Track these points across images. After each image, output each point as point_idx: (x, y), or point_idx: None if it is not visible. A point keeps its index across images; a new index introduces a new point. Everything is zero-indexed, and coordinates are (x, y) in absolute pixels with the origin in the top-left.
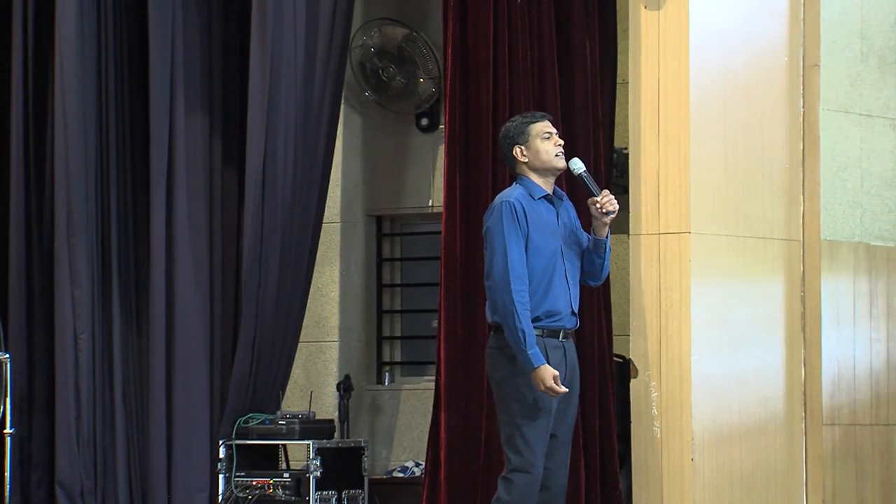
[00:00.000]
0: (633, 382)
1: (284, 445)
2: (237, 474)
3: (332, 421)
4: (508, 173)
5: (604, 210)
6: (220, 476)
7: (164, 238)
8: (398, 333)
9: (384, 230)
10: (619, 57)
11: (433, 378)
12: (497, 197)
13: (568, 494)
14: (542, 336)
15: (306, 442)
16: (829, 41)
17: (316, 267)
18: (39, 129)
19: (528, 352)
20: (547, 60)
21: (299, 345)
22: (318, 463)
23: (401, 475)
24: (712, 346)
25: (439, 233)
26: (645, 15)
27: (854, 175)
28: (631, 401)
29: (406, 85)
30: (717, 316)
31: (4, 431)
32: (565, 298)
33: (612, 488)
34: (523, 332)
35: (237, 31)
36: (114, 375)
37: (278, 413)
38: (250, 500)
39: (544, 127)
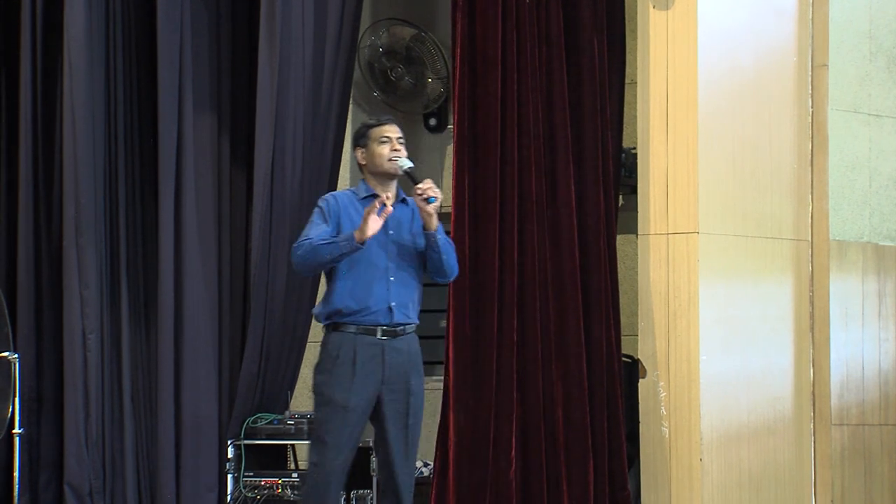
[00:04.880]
0: (641, 382)
1: (293, 445)
2: (245, 474)
3: None
4: (518, 173)
5: (425, 196)
6: (229, 476)
7: (173, 238)
8: None
9: None
10: (628, 56)
11: (441, 378)
12: None
13: (577, 494)
14: (355, 333)
15: None
16: (838, 41)
17: None
18: (48, 129)
19: (337, 244)
20: (555, 60)
21: (308, 344)
22: None
23: None
24: (720, 346)
25: (447, 233)
26: (653, 14)
27: (863, 175)
28: (639, 401)
29: (414, 85)
30: (725, 316)
31: (13, 431)
32: (382, 294)
33: (621, 488)
34: (313, 246)
35: (245, 30)
36: (122, 375)
37: (287, 413)
38: (259, 500)
39: (382, 132)
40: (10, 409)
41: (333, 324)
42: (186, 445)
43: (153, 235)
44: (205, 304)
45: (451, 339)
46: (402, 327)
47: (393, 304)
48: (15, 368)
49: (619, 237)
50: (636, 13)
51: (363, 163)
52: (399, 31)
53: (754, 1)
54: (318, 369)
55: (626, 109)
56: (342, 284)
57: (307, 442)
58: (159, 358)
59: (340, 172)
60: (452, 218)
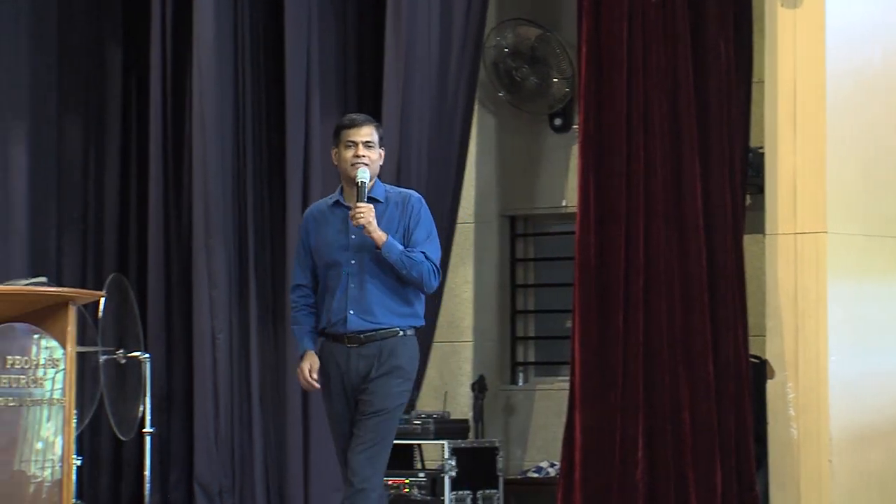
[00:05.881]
0: (769, 383)
1: (419, 445)
2: None
3: (466, 421)
4: (644, 172)
5: (353, 222)
6: None
7: None
8: (532, 334)
9: (518, 230)
10: (755, 55)
11: (567, 378)
12: None
13: (704, 495)
14: (331, 342)
15: (441, 442)
16: None
17: (450, 267)
18: (177, 132)
19: (296, 337)
20: (681, 59)
21: (433, 345)
22: (454, 463)
23: (535, 475)
24: (849, 347)
25: (573, 233)
26: (781, 13)
27: None
28: (767, 402)
29: (539, 85)
30: (853, 316)
31: (144, 430)
32: (340, 303)
33: (749, 489)
34: (293, 317)
35: (372, 32)
36: (251, 375)
37: (413, 413)
38: (386, 499)
39: (347, 136)
40: (141, 409)
41: (323, 335)
42: (314, 445)
43: (281, 236)
44: None
45: (576, 339)
46: (364, 334)
47: (350, 311)
48: (145, 368)
49: (746, 237)
50: (763, 12)
51: (335, 163)
52: (524, 32)
53: None
54: None
55: (753, 108)
56: (321, 295)
57: (434, 442)
58: (287, 358)
59: (466, 173)
60: (578, 218)
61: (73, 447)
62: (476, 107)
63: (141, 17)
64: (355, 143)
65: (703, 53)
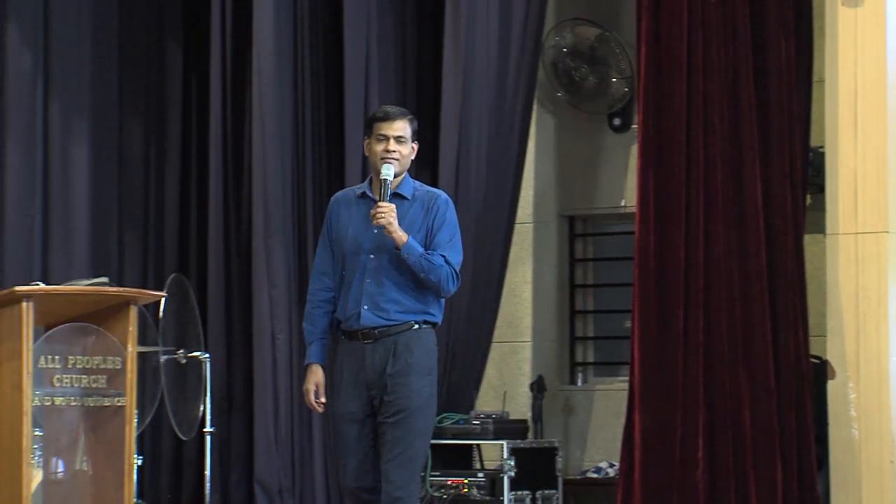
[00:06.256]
0: (830, 384)
1: (479, 445)
2: (432, 474)
3: (525, 421)
4: (703, 172)
5: (374, 221)
6: None
7: None
8: (591, 334)
9: (577, 230)
10: (815, 54)
11: (627, 378)
12: None
13: (765, 496)
14: (345, 339)
15: (500, 442)
16: None
17: (509, 267)
18: (237, 133)
19: (307, 338)
20: (741, 58)
21: (492, 345)
22: (513, 463)
23: (595, 476)
24: None
25: (632, 233)
26: (842, 12)
27: None
28: (828, 402)
29: (598, 85)
30: None
31: (204, 430)
32: (356, 297)
33: (811, 490)
34: (307, 313)
35: (431, 33)
36: None
37: (472, 413)
38: (445, 499)
39: (379, 129)
40: (201, 409)
41: (338, 331)
42: None
43: None
44: None
45: (636, 339)
46: (377, 330)
47: (364, 307)
48: (206, 368)
49: (806, 237)
50: (824, 10)
51: (367, 154)
52: (583, 31)
53: None
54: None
55: (813, 108)
56: (337, 286)
57: (493, 442)
58: None
59: (525, 173)
60: (637, 218)
61: (133, 447)
62: (535, 107)
63: (201, 18)
64: (387, 138)
65: (764, 52)
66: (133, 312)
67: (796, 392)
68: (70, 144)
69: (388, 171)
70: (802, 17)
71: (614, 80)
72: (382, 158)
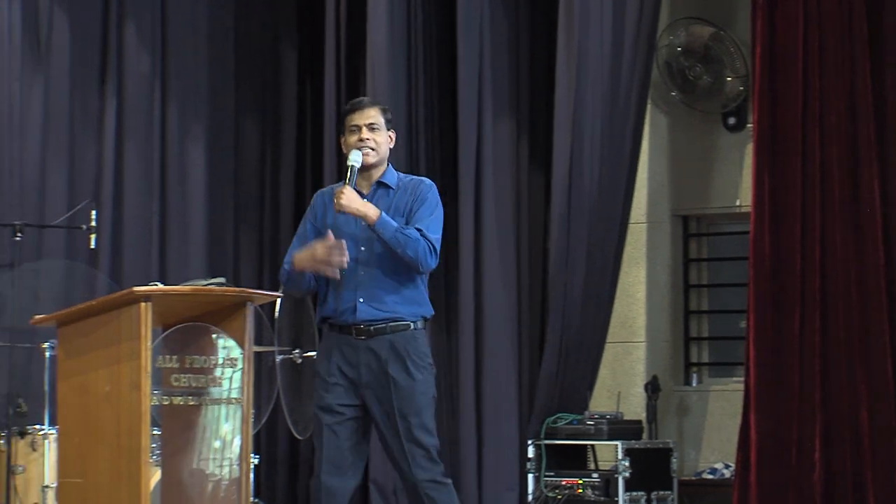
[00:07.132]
0: None
1: (593, 446)
2: (546, 474)
3: (639, 422)
4: (820, 171)
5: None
6: (529, 475)
7: (472, 238)
8: (705, 334)
9: (691, 230)
10: None
11: (742, 379)
12: None
13: (884, 498)
14: (337, 334)
15: (615, 442)
16: None
17: (622, 267)
18: None
19: (288, 267)
20: (859, 57)
21: (606, 345)
22: (627, 464)
23: (710, 476)
24: None
25: (747, 233)
26: None
27: None
28: None
29: (713, 84)
30: None
31: None
32: (349, 290)
33: None
34: (285, 271)
35: (544, 34)
36: None
37: (586, 413)
38: (560, 499)
39: (351, 120)
40: None
41: (324, 324)
42: (488, 445)
43: (453, 236)
44: (504, 304)
45: (751, 340)
46: (374, 326)
47: (360, 300)
48: None
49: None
50: None
51: (344, 152)
52: (697, 30)
53: None
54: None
55: None
56: (325, 284)
57: (608, 442)
58: (460, 357)
59: (638, 173)
60: (752, 217)
61: (250, 446)
62: (648, 106)
63: (315, 20)
64: (359, 128)
65: (881, 50)
66: (249, 312)
67: None
68: (187, 146)
69: (356, 158)
70: None
71: (729, 79)
72: (358, 149)
